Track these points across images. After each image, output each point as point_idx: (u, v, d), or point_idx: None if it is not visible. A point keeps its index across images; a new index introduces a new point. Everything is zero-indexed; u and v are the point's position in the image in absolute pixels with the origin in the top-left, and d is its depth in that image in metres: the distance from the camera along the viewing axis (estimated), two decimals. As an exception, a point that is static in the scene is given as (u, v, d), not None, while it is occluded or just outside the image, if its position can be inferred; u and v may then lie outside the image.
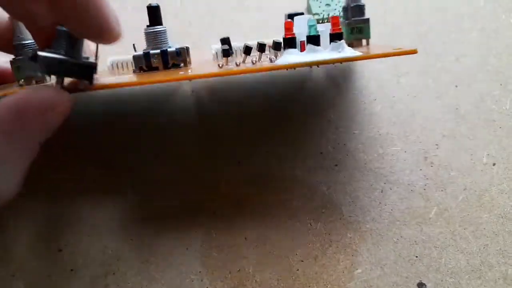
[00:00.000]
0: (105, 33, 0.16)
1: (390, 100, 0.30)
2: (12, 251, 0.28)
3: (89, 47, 0.20)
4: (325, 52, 0.21)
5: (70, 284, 0.28)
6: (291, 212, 0.28)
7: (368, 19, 0.25)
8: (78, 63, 0.18)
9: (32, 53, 0.18)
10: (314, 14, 0.33)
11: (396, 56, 0.21)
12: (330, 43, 0.21)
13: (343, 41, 0.21)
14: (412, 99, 0.30)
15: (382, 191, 0.28)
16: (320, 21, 0.32)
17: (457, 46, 0.32)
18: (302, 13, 0.25)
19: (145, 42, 0.23)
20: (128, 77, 0.22)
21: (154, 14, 0.23)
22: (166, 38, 0.23)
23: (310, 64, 0.21)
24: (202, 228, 0.28)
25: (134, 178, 0.29)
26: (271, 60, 0.22)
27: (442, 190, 0.28)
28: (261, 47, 0.22)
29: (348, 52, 0.21)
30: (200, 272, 0.27)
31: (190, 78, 0.20)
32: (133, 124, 0.30)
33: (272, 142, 0.29)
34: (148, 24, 0.23)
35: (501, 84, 0.31)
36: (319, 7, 0.33)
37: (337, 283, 0.27)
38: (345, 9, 0.26)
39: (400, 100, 0.30)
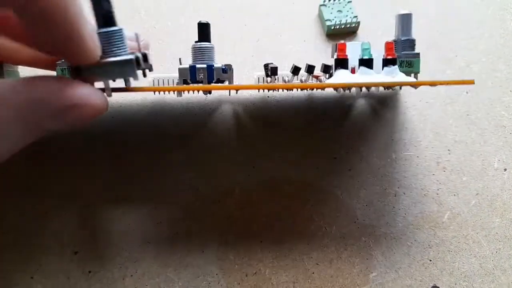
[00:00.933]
0: (81, 54, 0.15)
1: (402, 106, 0.30)
2: (31, 252, 0.29)
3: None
4: (379, 75, 0.22)
5: (88, 286, 0.28)
6: (306, 216, 0.28)
7: (418, 54, 0.25)
8: (117, 61, 0.17)
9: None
10: (326, 20, 0.33)
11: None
12: (383, 68, 0.22)
13: (396, 66, 0.22)
14: (424, 105, 0.31)
15: (395, 196, 0.29)
16: (332, 27, 0.33)
17: (467, 52, 0.33)
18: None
19: (191, 57, 0.24)
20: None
21: (204, 31, 0.23)
22: (213, 55, 0.24)
23: (363, 85, 0.21)
24: (218, 231, 0.28)
25: (153, 182, 0.29)
26: (319, 80, 0.22)
27: (454, 195, 0.29)
28: (310, 69, 0.23)
29: (402, 77, 0.21)
30: (217, 274, 0.28)
31: (239, 89, 0.20)
32: (161, 133, 0.30)
33: (286, 147, 0.29)
34: (196, 40, 0.24)
35: (510, 91, 0.32)
36: (331, 13, 0.34)
37: (352, 286, 0.28)
38: (395, 42, 0.26)
39: (413, 106, 0.31)
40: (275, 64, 0.26)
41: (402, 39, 0.25)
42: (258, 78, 0.27)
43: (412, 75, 0.25)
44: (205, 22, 0.24)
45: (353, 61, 0.22)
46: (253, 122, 0.30)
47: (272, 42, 0.34)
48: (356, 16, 0.33)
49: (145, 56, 0.19)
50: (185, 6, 0.35)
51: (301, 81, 0.22)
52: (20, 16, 0.14)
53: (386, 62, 0.22)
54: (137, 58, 0.18)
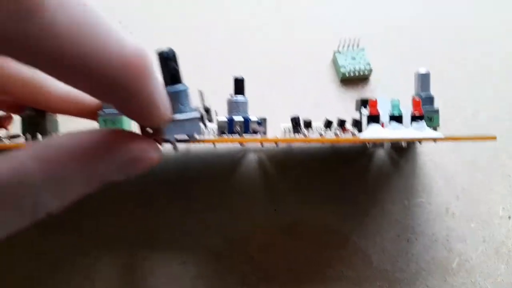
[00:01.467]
0: (155, 119, 0.15)
1: (415, 153, 0.32)
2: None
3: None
4: (408, 130, 0.23)
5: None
6: (325, 259, 0.29)
7: (438, 110, 0.27)
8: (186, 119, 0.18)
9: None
10: (340, 67, 0.35)
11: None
12: (411, 122, 0.23)
13: (424, 121, 0.23)
14: (433, 152, 0.32)
15: (408, 241, 0.30)
16: (347, 74, 0.35)
17: (473, 101, 0.35)
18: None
19: (226, 109, 0.25)
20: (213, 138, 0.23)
21: (240, 86, 0.25)
22: (247, 108, 0.25)
23: (395, 140, 0.22)
24: (240, 273, 0.29)
25: (180, 223, 0.30)
26: (352, 134, 0.23)
27: (463, 241, 0.30)
28: (342, 123, 0.24)
29: (430, 133, 0.23)
30: (235, 316, 0.28)
31: (278, 141, 0.21)
32: (188, 176, 0.31)
33: (307, 191, 0.30)
34: (232, 93, 0.25)
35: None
36: (345, 60, 0.35)
37: (367, 331, 0.28)
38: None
39: (423, 153, 0.32)
40: (296, 113, 0.28)
41: (423, 96, 0.27)
42: (285, 129, 0.28)
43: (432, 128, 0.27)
44: (241, 77, 0.25)
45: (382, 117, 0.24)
46: (276, 167, 0.31)
47: (289, 85, 0.35)
48: (369, 64, 0.35)
49: (207, 111, 0.20)
50: (206, 49, 0.36)
51: (335, 134, 0.24)
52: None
53: (415, 118, 0.23)
54: (202, 115, 0.19)
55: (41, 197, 0.13)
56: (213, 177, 0.30)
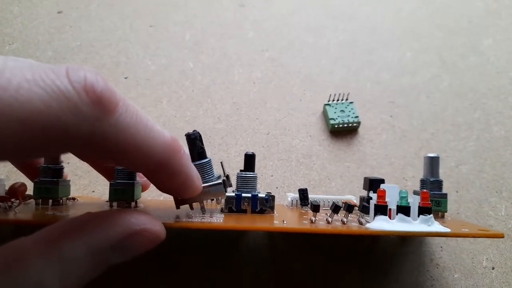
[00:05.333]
0: (188, 190, 0.19)
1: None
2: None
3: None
4: (415, 223, 0.23)
5: None
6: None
7: (446, 194, 0.27)
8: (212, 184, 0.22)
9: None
10: (330, 119, 0.37)
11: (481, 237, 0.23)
12: (418, 215, 0.23)
13: (432, 215, 0.23)
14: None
15: (392, 290, 0.31)
16: (336, 125, 0.37)
17: (456, 153, 0.37)
18: (382, 179, 0.27)
19: (236, 184, 0.26)
20: (223, 218, 0.23)
21: (250, 162, 0.25)
22: (256, 184, 0.26)
23: (401, 234, 0.22)
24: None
25: None
26: (360, 222, 0.23)
27: (447, 291, 0.31)
28: (349, 208, 0.24)
29: (437, 227, 0.23)
30: None
31: (285, 231, 0.22)
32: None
33: (311, 276, 0.32)
34: (242, 168, 0.26)
35: (496, 192, 0.35)
36: (335, 112, 0.38)
37: None
38: (423, 181, 0.29)
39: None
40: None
41: (431, 180, 0.28)
42: (292, 200, 0.29)
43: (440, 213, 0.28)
44: (251, 153, 0.26)
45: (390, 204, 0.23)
46: (283, 249, 0.31)
47: (281, 135, 0.37)
48: (357, 116, 0.37)
49: (227, 177, 0.23)
50: (203, 99, 0.38)
51: (343, 222, 0.23)
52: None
53: (422, 211, 0.23)
54: (224, 181, 0.22)
55: (44, 278, 0.13)
56: (216, 254, 0.31)
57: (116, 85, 0.39)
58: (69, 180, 0.27)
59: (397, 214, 0.23)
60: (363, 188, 0.29)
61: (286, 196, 0.30)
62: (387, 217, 0.23)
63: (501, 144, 0.37)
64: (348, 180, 0.35)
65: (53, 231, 0.15)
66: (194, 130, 0.22)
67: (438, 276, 0.31)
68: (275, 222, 0.23)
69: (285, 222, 0.23)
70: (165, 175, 0.17)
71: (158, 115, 0.38)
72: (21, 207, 0.25)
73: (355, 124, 0.37)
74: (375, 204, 0.23)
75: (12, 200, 0.25)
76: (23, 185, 0.25)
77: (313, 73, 0.40)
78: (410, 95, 0.39)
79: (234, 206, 0.25)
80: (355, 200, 0.30)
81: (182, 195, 0.20)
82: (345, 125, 0.37)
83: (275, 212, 0.26)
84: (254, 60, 0.40)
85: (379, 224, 0.22)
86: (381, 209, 0.23)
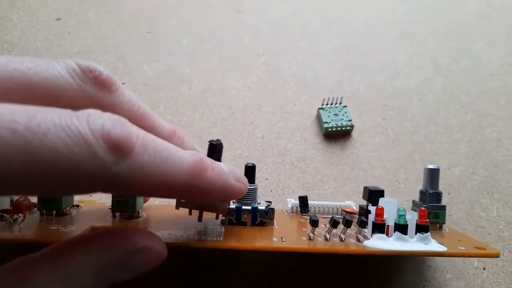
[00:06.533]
0: (230, 196, 0.20)
1: (391, 205, 0.34)
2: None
3: None
4: (412, 241, 0.23)
5: None
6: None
7: (445, 206, 0.28)
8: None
9: None
10: (323, 122, 0.38)
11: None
12: (416, 232, 0.23)
13: (429, 234, 0.23)
14: (411, 204, 0.34)
15: (384, 291, 0.31)
16: (329, 129, 0.37)
17: (448, 156, 0.37)
18: (382, 191, 0.27)
19: None
20: (222, 237, 0.23)
21: (250, 173, 0.26)
22: (256, 195, 0.26)
23: (398, 253, 0.22)
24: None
25: None
26: (358, 239, 0.24)
27: (438, 292, 0.31)
28: (348, 223, 0.24)
29: (434, 246, 0.23)
30: None
31: (284, 250, 0.22)
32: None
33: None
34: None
35: (488, 193, 0.36)
36: (328, 116, 0.38)
37: None
38: (422, 193, 0.29)
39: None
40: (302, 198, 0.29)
41: (430, 192, 0.28)
42: (292, 207, 0.30)
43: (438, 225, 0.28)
44: (252, 164, 0.26)
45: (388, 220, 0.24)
46: (279, 270, 0.31)
47: (276, 138, 0.38)
48: (350, 120, 0.38)
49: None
50: (200, 103, 0.39)
51: (341, 239, 0.24)
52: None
53: (420, 229, 0.23)
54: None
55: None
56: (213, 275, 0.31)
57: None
58: None
59: (394, 231, 0.23)
60: (363, 198, 0.29)
61: (287, 202, 0.31)
62: (384, 235, 0.23)
63: (493, 146, 0.38)
64: (341, 183, 0.36)
65: (60, 248, 0.15)
66: (218, 140, 0.23)
67: (430, 277, 0.32)
68: (274, 239, 0.23)
69: (284, 240, 0.23)
70: (199, 195, 0.17)
71: (155, 120, 0.38)
72: (25, 221, 0.25)
73: (348, 128, 0.38)
74: (373, 222, 0.24)
75: (18, 215, 0.25)
76: (27, 199, 0.26)
77: (308, 77, 0.41)
78: (403, 98, 0.40)
79: (234, 218, 0.25)
80: (354, 207, 0.31)
81: (230, 198, 0.20)
82: (339, 129, 0.37)
83: (275, 224, 0.26)
84: (249, 65, 0.41)
85: (376, 242, 0.23)
86: (379, 227, 0.23)
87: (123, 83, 0.40)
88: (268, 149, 0.37)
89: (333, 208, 0.30)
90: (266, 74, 0.41)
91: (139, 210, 0.27)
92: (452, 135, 0.38)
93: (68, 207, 0.27)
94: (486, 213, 0.35)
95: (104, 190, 0.14)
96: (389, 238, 0.23)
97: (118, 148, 0.13)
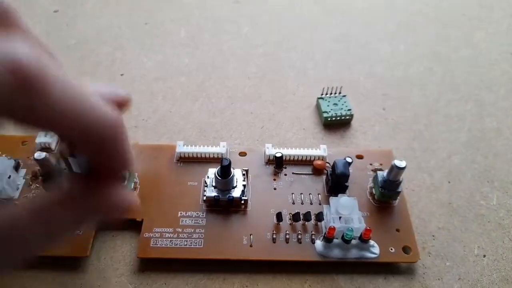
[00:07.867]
0: (129, 161, 0.18)
1: (391, 194, 0.34)
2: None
3: None
4: (351, 248, 0.29)
5: None
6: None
7: (399, 192, 0.31)
8: None
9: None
10: (323, 112, 0.37)
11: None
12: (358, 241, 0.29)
13: (370, 242, 0.29)
14: (410, 192, 0.34)
15: (385, 279, 0.31)
16: (329, 119, 0.37)
17: (448, 145, 0.37)
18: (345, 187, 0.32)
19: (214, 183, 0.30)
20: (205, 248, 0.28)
21: (226, 171, 0.29)
22: (231, 185, 0.30)
23: (336, 260, 0.28)
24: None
25: None
26: (312, 241, 0.29)
27: (438, 279, 0.31)
28: (307, 216, 0.29)
29: (368, 254, 0.30)
30: None
31: (250, 260, 0.27)
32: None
33: None
34: (219, 173, 0.29)
35: (488, 182, 0.36)
36: (328, 106, 0.38)
37: None
38: (384, 181, 0.31)
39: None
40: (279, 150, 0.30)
41: (390, 180, 0.31)
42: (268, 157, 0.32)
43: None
44: (226, 164, 0.29)
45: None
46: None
47: (275, 128, 0.38)
48: (350, 109, 0.38)
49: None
50: (199, 94, 0.39)
51: (298, 240, 0.29)
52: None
53: (361, 240, 0.29)
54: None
55: (30, 235, 0.15)
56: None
57: (113, 82, 0.39)
58: None
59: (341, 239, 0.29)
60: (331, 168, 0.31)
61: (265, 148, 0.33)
62: (329, 244, 0.29)
63: (493, 135, 0.38)
64: (341, 172, 0.36)
65: (40, 197, 0.16)
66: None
67: (430, 264, 0.32)
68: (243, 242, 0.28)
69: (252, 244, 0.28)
70: (105, 150, 0.17)
71: (153, 111, 0.38)
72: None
73: (348, 117, 0.37)
74: (324, 235, 0.29)
75: None
76: None
77: (307, 67, 0.41)
78: (403, 87, 0.40)
79: (213, 204, 0.30)
80: (325, 153, 0.34)
81: (122, 168, 0.19)
82: (338, 118, 0.37)
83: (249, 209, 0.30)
84: (248, 55, 0.41)
85: (320, 248, 0.29)
86: (328, 240, 0.29)
87: (121, 75, 0.40)
88: (267, 139, 0.37)
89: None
90: (265, 64, 0.41)
91: None
92: (452, 124, 0.38)
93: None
94: (486, 201, 0.35)
95: (17, 121, 0.14)
96: (331, 245, 0.29)
97: (28, 81, 0.13)
